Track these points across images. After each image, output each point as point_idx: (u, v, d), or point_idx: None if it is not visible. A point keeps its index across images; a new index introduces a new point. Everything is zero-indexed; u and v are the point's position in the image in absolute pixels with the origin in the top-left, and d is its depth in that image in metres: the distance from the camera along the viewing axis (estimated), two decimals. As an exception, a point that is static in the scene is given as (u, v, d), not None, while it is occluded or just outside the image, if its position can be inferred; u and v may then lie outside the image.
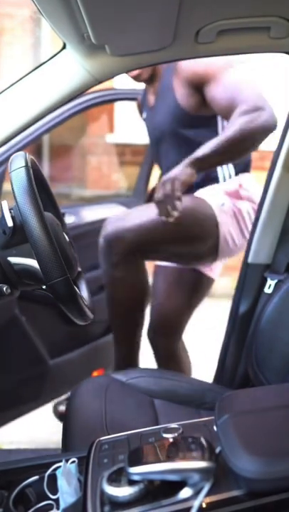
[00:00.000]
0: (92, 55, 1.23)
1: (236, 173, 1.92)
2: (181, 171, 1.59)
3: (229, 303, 1.73)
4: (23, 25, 4.85)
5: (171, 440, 0.82)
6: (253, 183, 1.94)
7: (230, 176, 1.91)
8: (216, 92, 1.71)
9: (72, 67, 1.27)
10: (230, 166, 1.90)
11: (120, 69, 1.29)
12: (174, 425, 0.88)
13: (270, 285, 1.54)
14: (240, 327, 1.65)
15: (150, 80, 1.90)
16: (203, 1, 1.01)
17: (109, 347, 2.34)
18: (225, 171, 1.91)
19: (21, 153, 1.00)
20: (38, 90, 1.30)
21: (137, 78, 1.86)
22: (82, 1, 0.93)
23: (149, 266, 1.93)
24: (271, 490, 0.71)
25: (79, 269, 1.17)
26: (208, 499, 0.71)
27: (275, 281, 1.53)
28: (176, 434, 0.84)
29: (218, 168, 1.89)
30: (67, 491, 0.91)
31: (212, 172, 1.87)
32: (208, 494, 0.71)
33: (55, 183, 5.15)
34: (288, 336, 1.29)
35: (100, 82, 1.31)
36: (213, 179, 1.90)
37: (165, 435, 0.85)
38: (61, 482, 0.92)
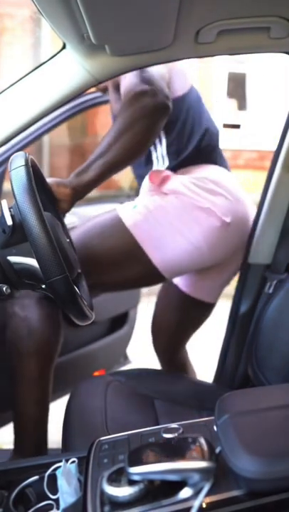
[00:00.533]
0: (92, 55, 1.23)
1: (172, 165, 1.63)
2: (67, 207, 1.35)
3: (229, 303, 1.73)
4: (23, 25, 4.86)
5: (171, 440, 0.82)
6: (193, 172, 1.60)
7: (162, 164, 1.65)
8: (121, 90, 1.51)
9: (72, 67, 1.27)
10: (165, 159, 1.63)
11: (120, 69, 1.29)
12: (174, 425, 0.88)
13: (270, 285, 1.54)
14: (241, 327, 1.65)
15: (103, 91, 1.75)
16: (203, 1, 1.02)
17: (110, 348, 2.34)
18: (160, 164, 1.65)
19: (21, 152, 1.00)
20: (38, 90, 1.30)
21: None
22: (82, 1, 0.93)
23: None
24: (271, 490, 0.71)
25: (79, 270, 1.17)
26: (208, 499, 0.71)
27: (276, 281, 1.53)
28: (176, 434, 0.84)
29: (154, 163, 1.65)
30: (67, 491, 0.91)
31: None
32: (208, 494, 0.71)
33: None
34: (288, 336, 1.29)
35: (100, 82, 1.31)
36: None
37: (165, 435, 0.85)
38: (61, 482, 0.92)
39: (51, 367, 1.56)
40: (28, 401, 1.50)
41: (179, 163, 1.62)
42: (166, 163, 1.63)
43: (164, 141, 1.61)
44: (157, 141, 1.61)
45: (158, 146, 1.63)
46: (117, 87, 1.57)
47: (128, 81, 1.44)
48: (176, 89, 1.58)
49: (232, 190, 1.56)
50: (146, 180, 1.57)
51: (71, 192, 1.31)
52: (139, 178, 1.71)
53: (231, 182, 1.59)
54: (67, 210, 1.33)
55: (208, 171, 1.59)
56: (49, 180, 1.23)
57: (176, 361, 1.99)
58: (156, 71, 1.44)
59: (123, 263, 1.50)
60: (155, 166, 1.64)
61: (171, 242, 1.48)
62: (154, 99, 1.38)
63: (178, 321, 1.85)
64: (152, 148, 1.63)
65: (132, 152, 1.41)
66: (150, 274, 1.53)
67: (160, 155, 1.63)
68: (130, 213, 1.51)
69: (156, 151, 1.63)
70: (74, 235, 1.47)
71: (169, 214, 1.48)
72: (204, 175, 1.55)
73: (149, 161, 1.65)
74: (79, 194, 1.34)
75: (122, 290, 1.91)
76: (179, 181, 1.52)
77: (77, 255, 1.26)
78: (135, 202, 1.55)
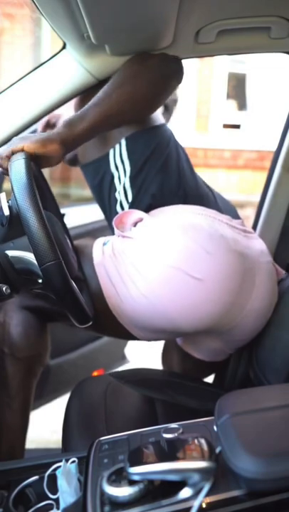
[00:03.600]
0: (92, 54, 1.23)
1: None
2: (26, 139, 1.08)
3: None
4: (23, 25, 4.86)
5: (171, 440, 0.82)
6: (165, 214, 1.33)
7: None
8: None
9: (72, 67, 1.27)
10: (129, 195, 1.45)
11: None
12: (173, 425, 0.88)
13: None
14: (240, 327, 1.65)
15: None
16: (203, 1, 1.02)
17: (109, 347, 2.34)
18: (123, 200, 1.46)
19: (22, 152, 1.00)
20: (39, 90, 1.30)
21: None
22: (82, 1, 0.93)
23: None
24: (271, 490, 0.71)
25: (80, 275, 1.17)
26: (208, 499, 0.71)
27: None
28: (176, 434, 0.84)
29: (117, 197, 1.47)
30: (67, 491, 0.91)
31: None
32: (208, 494, 0.71)
33: (54, 183, 5.14)
34: (288, 336, 1.29)
35: (100, 82, 1.31)
36: None
37: (165, 435, 0.85)
38: (61, 482, 0.92)
39: (32, 375, 1.45)
40: (5, 409, 1.41)
41: (148, 201, 1.42)
42: (130, 197, 1.44)
43: (128, 170, 1.43)
44: (121, 170, 1.43)
45: (121, 176, 1.44)
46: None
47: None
48: (159, 117, 1.45)
49: (210, 235, 1.22)
50: (114, 221, 1.33)
51: (60, 146, 1.09)
52: (104, 210, 1.57)
53: (211, 229, 1.24)
54: (55, 164, 1.13)
55: (181, 214, 1.29)
56: (32, 139, 1.06)
57: None
58: None
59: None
60: (118, 203, 1.47)
61: (126, 292, 1.23)
62: (166, 58, 1.25)
63: (182, 369, 1.63)
64: (117, 179, 1.45)
65: (133, 106, 1.23)
66: (118, 325, 1.30)
67: (122, 189, 1.45)
68: (100, 250, 1.32)
69: (120, 182, 1.45)
70: None
71: (129, 262, 1.23)
72: (175, 220, 1.27)
73: (111, 198, 1.49)
74: (69, 147, 1.13)
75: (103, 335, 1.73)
76: (147, 226, 1.28)
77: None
78: (108, 238, 1.37)
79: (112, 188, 1.47)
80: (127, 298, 1.22)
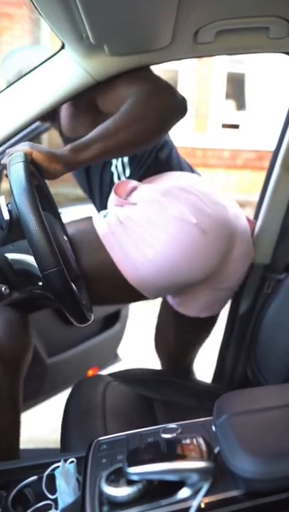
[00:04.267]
0: (90, 55, 1.23)
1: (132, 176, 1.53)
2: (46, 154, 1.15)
3: (228, 303, 1.73)
4: (22, 25, 4.86)
5: (169, 440, 0.82)
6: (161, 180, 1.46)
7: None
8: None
9: (71, 67, 1.27)
10: (127, 171, 1.53)
11: (119, 69, 1.29)
12: (172, 425, 0.88)
13: (269, 285, 1.55)
14: (240, 327, 1.65)
15: None
16: (202, 1, 1.02)
17: (102, 346, 2.35)
18: (120, 173, 1.54)
19: (20, 153, 1.00)
20: (37, 90, 1.30)
21: None
22: (81, 1, 0.93)
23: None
24: (270, 490, 0.71)
25: (78, 272, 1.17)
26: (207, 499, 0.71)
27: (275, 280, 1.53)
28: (174, 434, 0.84)
29: (115, 177, 1.54)
30: (65, 491, 0.91)
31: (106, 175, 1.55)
32: (206, 494, 0.71)
33: (53, 183, 5.14)
34: (287, 336, 1.29)
35: (99, 82, 1.31)
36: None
37: (164, 435, 0.85)
38: (60, 482, 0.92)
39: (20, 374, 1.46)
40: None
41: (142, 173, 1.50)
42: (128, 172, 1.52)
43: (125, 159, 1.52)
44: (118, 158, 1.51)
45: (119, 164, 1.53)
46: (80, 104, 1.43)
47: (137, 82, 1.32)
48: None
49: (206, 195, 1.37)
50: (112, 193, 1.42)
51: (62, 167, 1.17)
52: (91, 188, 1.61)
53: (204, 187, 1.40)
54: (51, 179, 1.22)
55: (175, 179, 1.43)
56: (42, 151, 1.12)
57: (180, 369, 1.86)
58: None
59: (96, 278, 1.33)
60: (115, 176, 1.53)
61: (141, 256, 1.31)
62: (174, 97, 1.30)
63: (177, 339, 1.70)
64: (113, 167, 1.53)
65: (137, 145, 1.30)
66: (126, 291, 1.36)
67: (120, 164, 1.52)
68: (102, 222, 1.37)
69: (116, 160, 1.52)
70: None
71: (138, 225, 1.32)
72: (173, 183, 1.39)
73: (105, 172, 1.54)
74: (70, 169, 1.21)
75: (101, 305, 1.76)
76: (146, 190, 1.38)
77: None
78: (107, 210, 1.42)
79: (108, 163, 1.51)
80: (142, 261, 1.31)
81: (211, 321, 1.60)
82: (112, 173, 1.52)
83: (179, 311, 1.53)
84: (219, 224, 1.34)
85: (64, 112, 1.48)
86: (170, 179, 1.43)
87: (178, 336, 1.68)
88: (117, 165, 1.51)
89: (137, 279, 1.33)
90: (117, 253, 1.32)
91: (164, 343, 1.79)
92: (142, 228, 1.31)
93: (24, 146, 1.10)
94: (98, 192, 1.58)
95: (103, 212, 1.41)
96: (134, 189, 1.41)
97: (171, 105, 1.29)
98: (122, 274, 1.32)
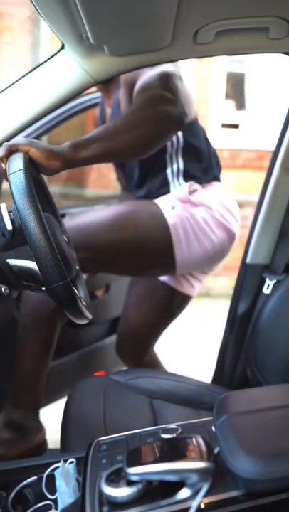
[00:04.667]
0: (90, 55, 1.23)
1: (186, 181, 1.72)
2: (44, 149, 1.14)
3: (226, 302, 1.73)
4: (21, 25, 4.86)
5: (169, 441, 0.82)
6: (213, 190, 1.74)
7: (180, 185, 1.72)
8: (138, 85, 1.50)
9: (70, 68, 1.27)
10: (180, 176, 1.72)
11: (119, 69, 1.29)
12: (172, 426, 0.88)
13: (268, 286, 1.55)
14: (239, 327, 1.65)
15: (106, 92, 1.79)
16: (202, 2, 1.01)
17: (110, 349, 2.34)
18: (175, 181, 1.73)
19: (19, 154, 1.00)
20: (37, 91, 1.30)
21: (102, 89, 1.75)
22: (81, 1, 0.93)
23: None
24: (269, 490, 0.71)
25: (77, 267, 1.17)
26: (207, 499, 0.71)
27: (274, 281, 1.53)
28: (174, 435, 0.84)
29: (169, 178, 1.72)
30: (65, 492, 0.91)
31: (163, 185, 1.73)
32: (206, 494, 0.71)
33: (53, 183, 5.14)
34: (286, 337, 1.29)
35: (99, 83, 1.31)
36: (165, 189, 1.74)
37: (164, 435, 0.85)
38: (59, 482, 0.93)
39: (54, 326, 1.64)
40: (28, 357, 1.61)
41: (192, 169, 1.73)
42: (182, 182, 1.72)
43: (181, 163, 1.71)
44: (174, 162, 1.71)
45: (174, 166, 1.71)
46: (131, 89, 1.58)
47: (151, 79, 1.43)
48: (192, 113, 1.65)
49: (237, 210, 1.76)
50: (179, 189, 1.70)
51: (60, 164, 1.16)
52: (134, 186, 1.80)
53: (235, 204, 1.78)
54: (50, 175, 1.20)
55: (224, 193, 1.77)
56: (39, 147, 1.11)
57: (144, 362, 1.99)
58: (182, 87, 1.46)
59: (150, 253, 1.63)
60: (171, 185, 1.73)
61: (192, 247, 1.64)
62: (175, 110, 1.38)
63: (148, 312, 1.88)
64: (169, 169, 1.72)
65: (136, 150, 1.36)
66: (165, 268, 1.69)
67: (175, 176, 1.72)
68: (171, 213, 1.63)
69: (172, 172, 1.72)
70: (98, 215, 1.60)
71: (197, 224, 1.64)
72: (225, 196, 1.74)
73: (163, 180, 1.74)
74: (69, 166, 1.20)
75: (129, 275, 1.97)
76: (207, 196, 1.69)
77: (89, 239, 1.48)
78: (171, 203, 1.66)
79: (163, 150, 1.69)
80: (197, 249, 1.65)
81: (188, 301, 1.90)
82: (164, 164, 1.72)
83: (181, 290, 1.82)
84: (237, 236, 1.74)
85: (123, 96, 1.64)
86: (221, 192, 1.76)
87: (157, 308, 1.88)
88: (173, 178, 1.73)
89: (183, 260, 1.65)
90: (180, 239, 1.62)
91: (136, 320, 1.92)
92: (199, 227, 1.64)
93: (21, 141, 1.09)
94: (143, 173, 1.75)
95: (169, 203, 1.66)
96: (194, 191, 1.69)
97: (172, 117, 1.38)
98: (174, 253, 1.63)
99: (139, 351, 1.98)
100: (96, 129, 1.27)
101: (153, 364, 2.03)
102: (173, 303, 1.86)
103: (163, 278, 1.81)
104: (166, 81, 1.43)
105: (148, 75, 1.46)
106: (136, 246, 1.60)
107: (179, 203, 1.66)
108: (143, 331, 1.93)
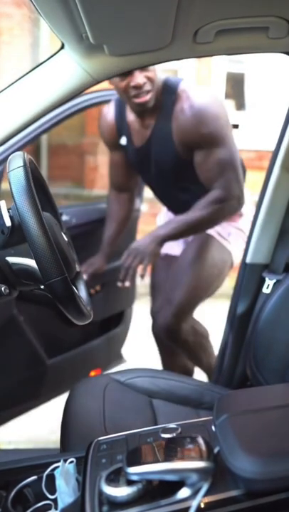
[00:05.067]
0: (90, 55, 1.23)
1: None
2: (147, 245, 1.78)
3: (226, 302, 1.73)
4: (21, 25, 4.85)
5: (169, 440, 0.82)
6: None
7: None
8: (204, 162, 1.83)
9: (70, 67, 1.27)
10: None
11: (119, 69, 1.29)
12: (172, 425, 0.88)
13: (268, 285, 1.54)
14: (239, 327, 1.65)
15: (148, 112, 1.87)
16: (202, 1, 1.01)
17: (106, 347, 2.34)
18: None
19: (19, 153, 1.00)
20: (37, 90, 1.30)
21: (146, 104, 1.81)
22: (81, 1, 0.93)
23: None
24: (269, 490, 0.71)
25: (78, 269, 1.17)
26: (207, 499, 0.71)
27: (274, 281, 1.53)
28: (174, 434, 0.84)
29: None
30: (65, 491, 0.91)
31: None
32: (206, 494, 0.71)
33: (53, 183, 5.14)
34: (286, 336, 1.29)
35: (99, 82, 1.31)
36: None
37: (163, 435, 0.85)
38: (59, 482, 0.93)
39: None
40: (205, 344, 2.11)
41: None
42: None
43: None
44: None
45: None
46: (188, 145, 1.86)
47: (224, 169, 1.82)
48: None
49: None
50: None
51: (154, 238, 1.81)
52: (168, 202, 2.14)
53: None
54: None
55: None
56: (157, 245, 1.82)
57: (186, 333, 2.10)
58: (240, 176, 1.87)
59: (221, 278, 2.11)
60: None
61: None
62: (238, 206, 1.88)
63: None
64: None
65: (200, 230, 1.95)
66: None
67: None
68: (229, 240, 2.09)
69: None
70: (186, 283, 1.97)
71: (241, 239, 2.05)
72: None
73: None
74: (159, 242, 1.81)
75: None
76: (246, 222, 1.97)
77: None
78: (226, 230, 2.07)
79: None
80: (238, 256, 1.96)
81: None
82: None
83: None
84: None
85: (177, 138, 1.85)
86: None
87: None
88: None
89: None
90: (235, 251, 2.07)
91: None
92: (242, 239, 1.97)
93: (139, 255, 1.77)
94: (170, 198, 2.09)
95: (226, 231, 2.07)
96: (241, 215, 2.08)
97: (234, 212, 1.90)
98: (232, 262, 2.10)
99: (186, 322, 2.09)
100: (180, 217, 1.86)
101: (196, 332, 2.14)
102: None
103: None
104: (230, 174, 1.82)
105: (214, 154, 1.81)
106: (213, 285, 2.07)
107: (229, 227, 2.07)
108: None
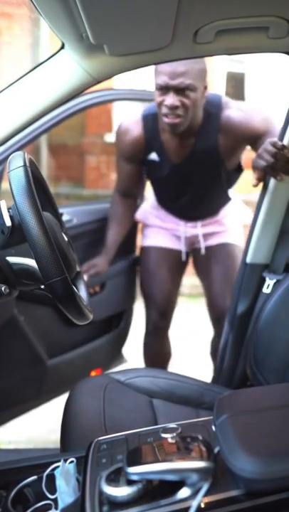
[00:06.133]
0: (90, 54, 1.23)
1: None
2: None
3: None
4: (21, 25, 4.85)
5: (169, 440, 0.82)
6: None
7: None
8: None
9: (70, 67, 1.27)
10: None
11: (119, 69, 1.29)
12: (172, 425, 0.88)
13: (268, 285, 1.54)
14: (239, 327, 1.65)
15: (186, 132, 1.89)
16: (202, 1, 1.01)
17: (106, 347, 2.34)
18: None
19: (20, 152, 1.00)
20: (37, 90, 1.30)
21: (176, 127, 1.83)
22: (81, 0, 0.93)
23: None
24: (269, 490, 0.71)
25: (78, 269, 1.17)
26: (207, 499, 0.71)
27: (274, 281, 1.53)
28: (174, 434, 0.84)
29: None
30: (65, 491, 0.91)
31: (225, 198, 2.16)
32: (206, 494, 0.71)
33: (53, 183, 5.15)
34: (286, 336, 1.29)
35: (99, 82, 1.31)
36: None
37: (164, 435, 0.85)
38: (59, 482, 0.92)
39: None
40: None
41: None
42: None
43: None
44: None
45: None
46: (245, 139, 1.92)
47: None
48: None
49: None
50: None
51: None
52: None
53: None
54: None
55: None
56: None
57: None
58: None
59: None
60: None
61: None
62: None
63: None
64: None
65: None
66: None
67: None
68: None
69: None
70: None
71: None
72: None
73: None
74: None
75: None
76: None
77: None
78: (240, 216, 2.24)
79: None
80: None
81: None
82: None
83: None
84: None
85: (225, 146, 1.92)
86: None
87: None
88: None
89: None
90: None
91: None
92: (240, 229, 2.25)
93: None
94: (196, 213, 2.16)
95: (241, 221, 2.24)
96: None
97: None
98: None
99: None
100: None
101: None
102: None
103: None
104: None
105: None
106: None
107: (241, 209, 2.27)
108: (174, 296, 2.27)
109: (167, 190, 2.15)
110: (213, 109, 1.90)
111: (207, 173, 2.00)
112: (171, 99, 1.75)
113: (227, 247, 2.16)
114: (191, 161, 1.96)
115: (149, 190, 2.24)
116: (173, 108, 1.76)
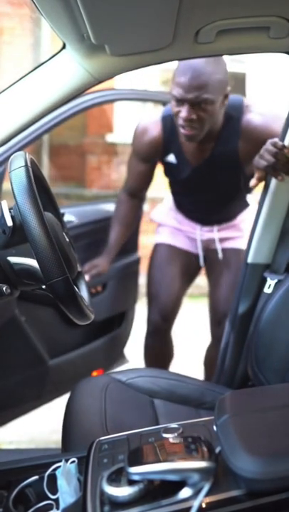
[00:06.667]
0: (91, 54, 1.23)
1: None
2: None
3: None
4: (22, 25, 4.86)
5: (171, 440, 0.82)
6: None
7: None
8: None
9: (72, 67, 1.27)
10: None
11: (120, 69, 1.29)
12: (173, 425, 0.88)
13: (269, 285, 1.54)
14: (240, 327, 1.65)
15: (204, 139, 1.87)
16: (203, 1, 1.01)
17: (108, 347, 2.34)
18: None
19: (21, 152, 1.00)
20: (38, 90, 1.30)
21: (192, 138, 1.83)
22: (82, 0, 0.93)
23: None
24: (271, 490, 0.71)
25: (79, 269, 1.17)
26: (208, 499, 0.71)
27: (275, 281, 1.53)
28: (175, 434, 0.84)
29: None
30: (66, 491, 0.91)
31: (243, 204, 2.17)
32: (207, 494, 0.71)
33: (54, 183, 5.15)
34: (287, 336, 1.29)
35: (100, 82, 1.31)
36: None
37: (165, 435, 0.85)
38: (61, 482, 0.93)
39: None
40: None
41: None
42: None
43: None
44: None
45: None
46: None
47: None
48: None
49: None
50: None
51: None
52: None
53: None
54: None
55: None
56: None
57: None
58: None
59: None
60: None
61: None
62: None
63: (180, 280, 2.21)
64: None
65: None
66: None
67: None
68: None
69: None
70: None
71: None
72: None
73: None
74: None
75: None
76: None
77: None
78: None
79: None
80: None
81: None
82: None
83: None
84: None
85: (245, 151, 1.88)
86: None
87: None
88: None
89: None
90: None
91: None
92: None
93: None
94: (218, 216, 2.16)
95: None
96: None
97: None
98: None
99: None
100: None
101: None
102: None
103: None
104: None
105: None
106: None
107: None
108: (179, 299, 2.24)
109: (185, 192, 2.14)
110: (234, 112, 1.88)
111: (225, 178, 1.99)
112: (186, 112, 1.72)
113: (240, 253, 2.08)
114: (210, 164, 1.94)
115: (167, 192, 2.23)
116: (188, 120, 1.74)
